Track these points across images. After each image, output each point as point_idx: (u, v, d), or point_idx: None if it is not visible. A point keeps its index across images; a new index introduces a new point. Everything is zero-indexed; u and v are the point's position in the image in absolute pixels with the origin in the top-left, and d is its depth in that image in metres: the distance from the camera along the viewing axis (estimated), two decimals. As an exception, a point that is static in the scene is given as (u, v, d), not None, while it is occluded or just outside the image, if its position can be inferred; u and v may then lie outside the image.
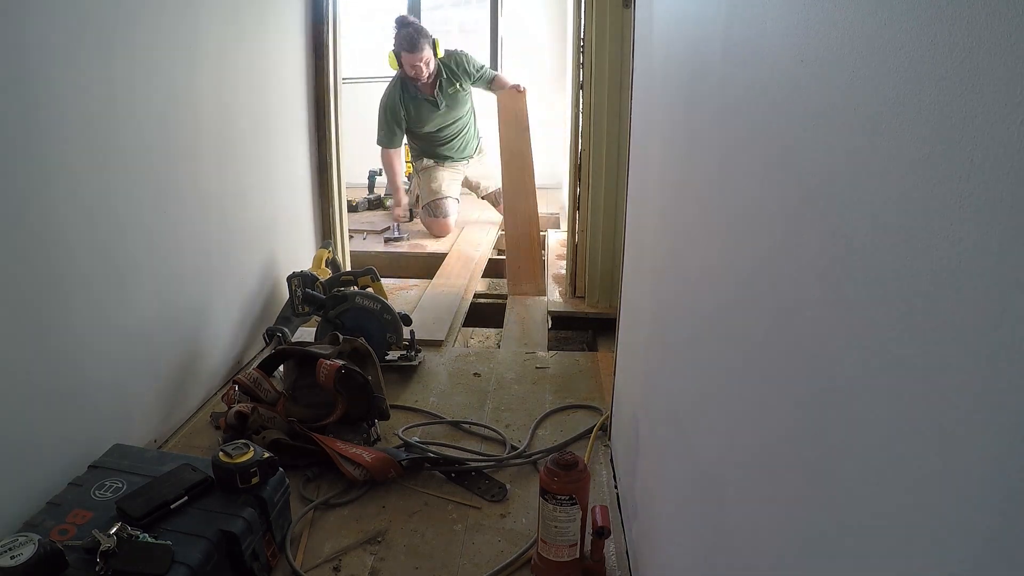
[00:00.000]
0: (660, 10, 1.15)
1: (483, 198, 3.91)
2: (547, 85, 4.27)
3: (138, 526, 1.09)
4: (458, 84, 3.53)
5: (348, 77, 2.94)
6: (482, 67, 3.59)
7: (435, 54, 3.40)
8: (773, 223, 0.55)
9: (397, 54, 3.35)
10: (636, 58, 1.46)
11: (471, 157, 3.81)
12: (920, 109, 0.34)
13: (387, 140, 3.60)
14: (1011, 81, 0.27)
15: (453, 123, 3.64)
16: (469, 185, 3.88)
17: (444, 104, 3.53)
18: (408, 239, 3.58)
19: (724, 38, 0.72)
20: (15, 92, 1.17)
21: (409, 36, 3.28)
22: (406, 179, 3.96)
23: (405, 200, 3.84)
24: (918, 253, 0.34)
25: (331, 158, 2.64)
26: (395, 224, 3.73)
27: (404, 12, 5.16)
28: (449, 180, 3.69)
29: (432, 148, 3.68)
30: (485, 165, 3.85)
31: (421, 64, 3.34)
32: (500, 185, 3.72)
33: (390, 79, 3.57)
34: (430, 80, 3.44)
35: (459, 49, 3.55)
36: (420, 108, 3.54)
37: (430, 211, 3.63)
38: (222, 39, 1.89)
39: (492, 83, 3.55)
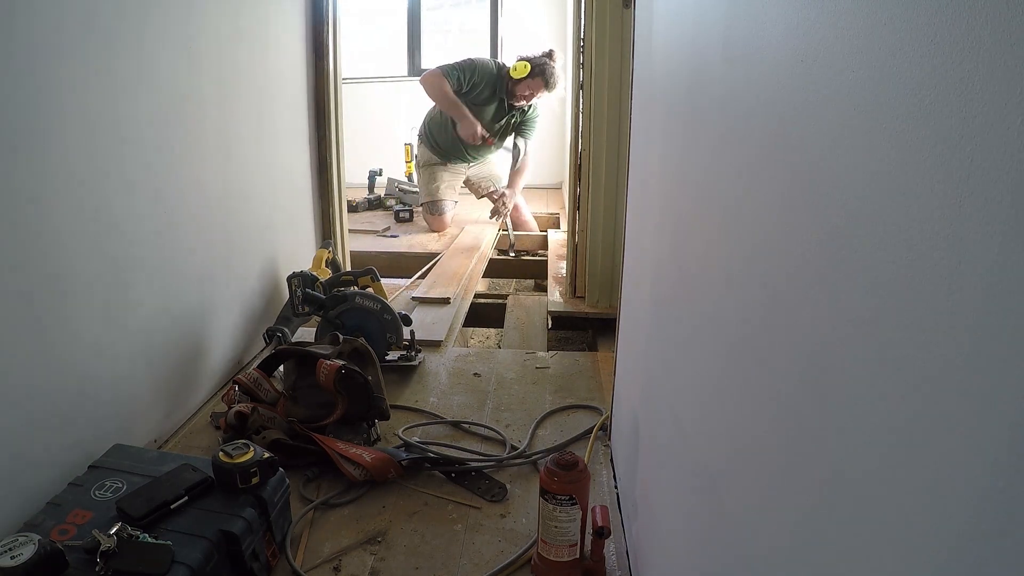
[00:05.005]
0: (660, 10, 1.15)
1: (482, 197, 3.95)
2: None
3: (138, 526, 1.09)
4: (513, 128, 3.66)
5: (348, 77, 2.94)
6: (530, 132, 3.69)
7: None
8: (773, 223, 0.55)
9: (534, 73, 3.37)
10: (636, 58, 1.46)
11: (476, 163, 3.87)
12: (920, 109, 0.34)
13: (453, 78, 3.46)
14: (1011, 81, 0.27)
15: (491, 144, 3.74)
16: (469, 185, 3.93)
17: (500, 129, 3.64)
18: (399, 236, 3.68)
19: (724, 38, 0.72)
20: (14, 92, 1.17)
21: (557, 77, 3.38)
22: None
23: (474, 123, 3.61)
24: (918, 253, 0.34)
25: (331, 158, 2.64)
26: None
27: (404, 14, 5.18)
28: (448, 182, 3.82)
29: (450, 150, 3.71)
30: (488, 164, 3.92)
31: (536, 97, 3.46)
32: (499, 186, 3.82)
33: (489, 61, 3.55)
34: (519, 107, 3.55)
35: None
36: (491, 106, 3.55)
37: (429, 209, 3.83)
38: (222, 39, 1.89)
39: (516, 151, 3.70)
